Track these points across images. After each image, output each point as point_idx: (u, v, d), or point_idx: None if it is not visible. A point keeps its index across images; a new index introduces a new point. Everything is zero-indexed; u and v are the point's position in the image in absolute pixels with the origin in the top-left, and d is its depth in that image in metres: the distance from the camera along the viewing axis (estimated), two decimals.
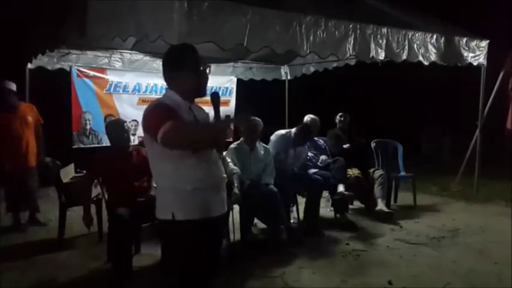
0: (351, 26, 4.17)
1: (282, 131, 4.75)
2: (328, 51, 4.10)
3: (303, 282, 3.28)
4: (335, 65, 6.38)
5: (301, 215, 4.59)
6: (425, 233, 4.44)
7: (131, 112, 6.34)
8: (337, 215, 4.90)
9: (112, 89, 6.23)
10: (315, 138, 5.21)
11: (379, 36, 4.40)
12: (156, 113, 1.89)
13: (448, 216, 5.09)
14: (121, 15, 3.11)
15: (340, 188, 4.71)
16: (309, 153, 5.04)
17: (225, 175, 2.16)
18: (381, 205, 4.92)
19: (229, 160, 4.08)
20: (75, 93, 5.94)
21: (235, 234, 4.06)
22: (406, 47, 4.63)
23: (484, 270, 3.49)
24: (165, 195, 1.99)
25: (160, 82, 6.43)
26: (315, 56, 4.57)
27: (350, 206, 5.14)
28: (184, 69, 1.98)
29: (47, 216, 4.83)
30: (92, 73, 6.02)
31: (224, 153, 4.03)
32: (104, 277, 3.37)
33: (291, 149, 4.61)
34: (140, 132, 6.25)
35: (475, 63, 5.46)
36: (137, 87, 6.44)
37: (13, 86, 4.39)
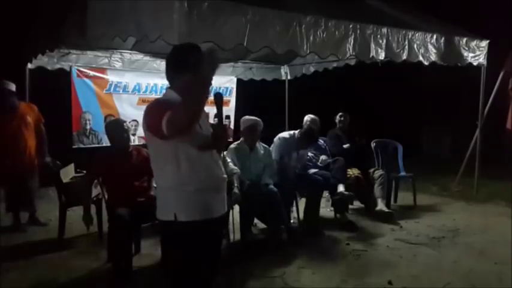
0: (351, 26, 4.18)
1: (286, 134, 4.73)
2: (328, 51, 4.10)
3: (303, 282, 3.28)
4: (335, 65, 6.37)
5: (301, 215, 4.58)
6: (425, 233, 4.44)
7: (131, 112, 6.34)
8: (337, 215, 4.90)
9: (112, 89, 6.23)
10: None
11: (379, 36, 4.40)
12: (156, 109, 1.90)
13: (448, 216, 5.09)
14: (121, 15, 3.11)
15: (340, 188, 4.71)
16: (309, 153, 5.03)
17: (225, 175, 2.15)
18: (381, 205, 4.92)
19: (229, 160, 4.08)
20: (75, 93, 5.93)
21: (235, 234, 4.06)
22: (406, 47, 4.63)
23: (484, 270, 3.49)
24: (167, 196, 1.99)
25: (160, 82, 6.44)
26: (315, 56, 4.57)
27: (350, 206, 5.14)
28: (187, 70, 1.95)
29: (47, 216, 4.83)
30: (92, 73, 6.01)
31: (224, 153, 4.03)
32: (104, 277, 3.37)
33: (294, 152, 4.60)
34: (140, 132, 6.26)
35: (475, 63, 5.46)
36: (137, 87, 6.43)
37: (12, 87, 4.37)
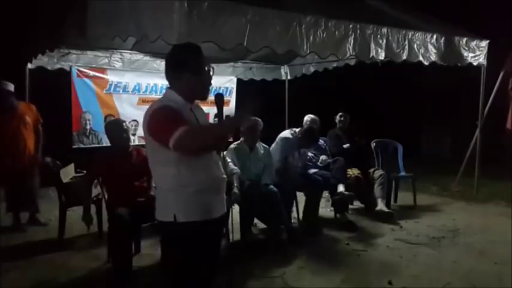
0: (351, 26, 4.17)
1: (288, 134, 4.71)
2: (328, 51, 4.10)
3: (303, 282, 3.28)
4: (335, 65, 6.37)
5: (301, 215, 4.58)
6: (425, 233, 4.44)
7: (131, 112, 6.34)
8: (337, 215, 4.90)
9: (112, 89, 6.23)
10: None
11: (379, 36, 4.40)
12: (164, 118, 1.85)
13: (448, 216, 5.09)
14: (121, 15, 3.11)
15: (340, 188, 4.71)
16: (309, 153, 5.04)
17: (225, 176, 2.15)
18: (381, 205, 4.92)
19: (229, 160, 4.08)
20: (75, 93, 5.93)
21: (235, 234, 4.05)
22: (406, 47, 4.63)
23: (484, 270, 3.49)
24: (166, 197, 1.97)
25: (160, 82, 6.44)
26: (315, 56, 4.57)
27: (350, 206, 5.14)
28: (186, 69, 1.94)
29: (47, 216, 4.83)
30: (92, 73, 6.01)
31: (224, 153, 4.03)
32: (103, 277, 3.38)
33: (296, 152, 4.60)
34: (140, 132, 6.26)
35: (475, 63, 5.46)
36: (137, 87, 6.43)
37: (11, 87, 4.36)
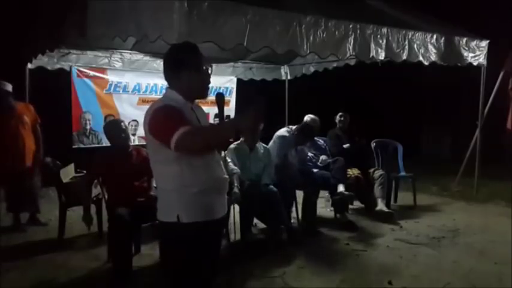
0: (351, 26, 4.18)
1: (284, 132, 4.72)
2: (328, 51, 4.10)
3: (303, 282, 3.28)
4: (335, 65, 6.38)
5: (300, 215, 4.59)
6: (425, 233, 4.44)
7: (131, 112, 6.34)
8: (337, 215, 4.90)
9: (112, 89, 6.24)
10: (315, 138, 5.21)
11: (379, 36, 4.40)
12: (165, 118, 1.85)
13: (448, 216, 5.09)
14: (121, 15, 3.11)
15: (340, 188, 4.71)
16: (309, 153, 5.04)
17: (227, 176, 2.15)
18: (380, 205, 4.92)
19: (229, 160, 4.08)
20: (75, 93, 5.94)
21: (235, 234, 4.06)
22: (406, 47, 4.63)
23: (484, 270, 3.49)
24: (169, 198, 1.96)
25: (161, 82, 6.44)
26: (315, 56, 4.57)
27: (350, 206, 5.14)
28: (184, 68, 1.94)
29: (47, 216, 4.83)
30: (92, 73, 6.02)
31: (224, 153, 4.03)
32: (103, 277, 3.38)
33: (293, 149, 4.61)
34: (140, 132, 6.27)
35: (475, 63, 5.46)
36: (137, 87, 6.44)
37: (9, 87, 4.36)
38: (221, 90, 6.99)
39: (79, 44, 5.11)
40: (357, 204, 5.32)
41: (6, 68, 4.68)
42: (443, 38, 4.98)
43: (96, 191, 3.95)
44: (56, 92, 6.13)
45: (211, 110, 5.62)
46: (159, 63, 6.25)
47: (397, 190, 5.71)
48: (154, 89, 6.52)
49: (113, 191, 3.61)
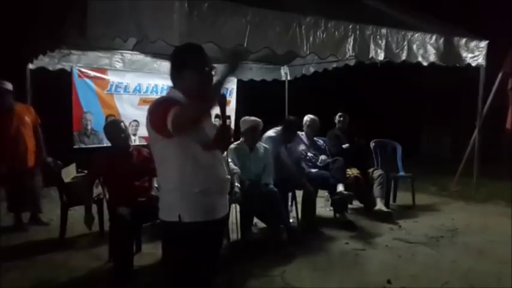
0: (350, 26, 4.19)
1: (271, 133, 4.71)
2: (328, 51, 4.12)
3: (302, 281, 3.30)
4: (335, 65, 6.39)
5: (300, 214, 4.60)
6: (424, 232, 4.45)
7: (132, 112, 6.35)
8: (337, 215, 4.91)
9: (113, 90, 6.24)
10: (315, 139, 5.23)
11: (378, 36, 4.42)
12: (161, 107, 1.89)
13: (447, 216, 5.10)
14: (121, 15, 3.12)
15: (340, 187, 4.72)
16: (309, 153, 5.06)
17: (229, 176, 2.17)
18: (380, 205, 4.94)
19: (229, 160, 4.10)
20: (76, 93, 5.95)
21: (235, 234, 4.07)
22: (406, 47, 4.65)
23: (483, 270, 3.50)
24: (171, 197, 1.98)
25: (161, 82, 6.46)
26: (314, 57, 4.58)
27: (349, 206, 5.15)
28: (188, 68, 1.98)
29: (49, 216, 4.84)
30: (92, 73, 6.03)
31: (224, 153, 4.05)
32: (105, 277, 3.38)
33: (283, 149, 4.61)
34: (141, 132, 6.28)
35: (473, 64, 5.47)
36: (138, 88, 6.45)
37: (9, 86, 4.39)
38: (222, 91, 6.99)
39: (80, 45, 5.13)
40: (356, 204, 5.33)
41: (7, 68, 4.69)
42: (442, 39, 5.00)
43: (97, 190, 3.97)
44: (57, 93, 6.14)
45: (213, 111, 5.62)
46: (160, 64, 6.28)
47: (396, 190, 5.73)
48: (155, 89, 6.53)
49: (114, 191, 3.62)
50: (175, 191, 1.96)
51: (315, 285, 3.25)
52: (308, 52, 3.96)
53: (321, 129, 5.24)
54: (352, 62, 6.05)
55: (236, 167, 4.07)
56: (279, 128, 4.74)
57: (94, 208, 3.71)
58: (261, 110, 4.71)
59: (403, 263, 3.65)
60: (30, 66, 5.35)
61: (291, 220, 4.48)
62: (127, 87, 6.34)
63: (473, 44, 5.40)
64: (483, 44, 5.55)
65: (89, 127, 6.10)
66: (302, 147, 5.08)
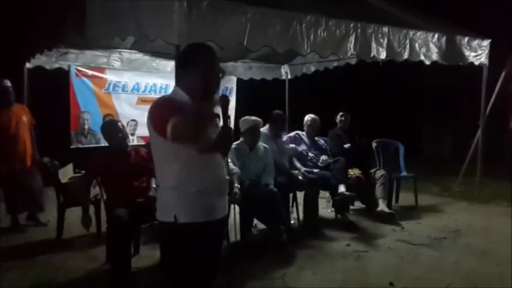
0: (351, 25, 4.16)
1: (264, 130, 4.63)
2: (329, 50, 4.09)
3: (303, 283, 3.26)
4: (336, 64, 6.36)
5: (301, 215, 4.56)
6: (427, 233, 4.42)
7: (130, 112, 6.31)
8: (338, 216, 4.88)
9: (111, 89, 6.21)
10: (316, 138, 5.19)
11: (380, 35, 4.39)
12: (163, 109, 1.88)
13: (449, 217, 5.07)
14: (121, 15, 3.11)
15: (341, 188, 4.68)
16: (310, 153, 5.02)
17: (228, 177, 2.13)
18: (382, 206, 4.90)
19: (229, 160, 4.05)
20: (73, 92, 5.92)
21: (235, 235, 4.03)
22: (408, 46, 4.62)
23: (486, 271, 3.47)
24: (168, 197, 1.96)
25: (160, 82, 6.43)
26: (315, 56, 4.56)
27: (351, 207, 5.12)
28: (193, 67, 1.95)
29: (46, 216, 4.79)
30: (90, 72, 6.00)
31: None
32: (102, 278, 3.35)
33: (273, 144, 4.56)
34: (139, 132, 6.24)
35: (476, 63, 5.44)
36: (136, 87, 6.40)
37: (9, 83, 4.43)
38: (221, 90, 6.96)
39: (78, 44, 5.10)
40: (358, 204, 5.30)
41: (4, 67, 4.67)
42: (444, 37, 4.96)
43: (94, 191, 3.93)
44: (54, 92, 6.11)
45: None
46: (158, 63, 6.24)
47: (398, 190, 5.69)
48: (153, 88, 6.48)
49: (111, 192, 3.59)
50: (172, 191, 1.94)
51: (315, 287, 3.22)
52: (309, 51, 3.93)
53: (322, 128, 5.21)
54: (353, 61, 6.01)
55: (235, 167, 4.03)
56: (267, 126, 4.71)
57: (91, 209, 3.68)
58: (261, 109, 4.68)
59: (405, 265, 3.61)
60: (28, 65, 5.32)
61: (291, 221, 4.44)
62: (125, 86, 6.30)
63: (475, 42, 5.37)
64: (486, 42, 5.52)
65: (86, 127, 6.07)
66: (303, 147, 5.05)
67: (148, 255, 3.67)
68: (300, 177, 4.55)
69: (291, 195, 4.57)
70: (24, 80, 5.33)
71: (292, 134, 5.25)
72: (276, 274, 3.38)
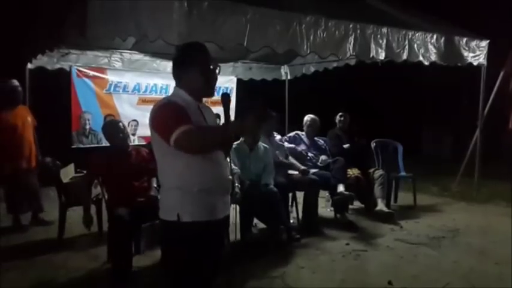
0: (351, 25, 4.17)
1: None
2: (328, 51, 4.10)
3: (302, 282, 3.28)
4: (335, 64, 6.37)
5: (301, 215, 4.58)
6: (426, 233, 4.43)
7: (131, 112, 6.33)
8: (337, 215, 4.89)
9: (112, 89, 6.23)
10: (315, 138, 5.21)
11: (379, 36, 4.40)
12: (168, 114, 1.88)
13: (448, 217, 5.08)
14: (121, 15, 3.11)
15: (340, 188, 4.70)
16: (309, 153, 5.04)
17: (230, 176, 2.15)
18: (381, 205, 4.91)
19: (228, 160, 4.07)
20: (74, 93, 5.94)
21: (235, 234, 4.05)
22: (407, 47, 4.63)
23: (484, 270, 3.48)
24: (171, 196, 1.97)
25: (160, 82, 6.44)
26: (315, 56, 4.57)
27: (350, 206, 5.13)
28: (193, 67, 1.97)
29: (47, 216, 4.81)
30: (91, 73, 6.02)
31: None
32: (103, 277, 3.36)
33: (267, 142, 4.56)
34: (140, 132, 6.26)
35: (475, 63, 5.45)
36: (137, 87, 6.42)
37: (17, 83, 4.52)
38: (221, 90, 6.98)
39: (79, 44, 5.11)
40: (357, 204, 5.31)
41: (6, 68, 4.70)
42: (443, 38, 4.98)
43: (96, 191, 3.95)
44: (56, 92, 6.13)
45: (215, 110, 5.61)
46: (159, 63, 6.26)
47: (397, 190, 5.70)
48: (154, 89, 6.51)
49: (112, 191, 3.60)
50: (175, 190, 1.95)
51: (315, 286, 3.24)
52: (308, 51, 3.94)
53: (321, 129, 5.23)
54: (352, 62, 6.03)
55: (236, 167, 4.04)
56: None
57: (93, 208, 3.69)
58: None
59: (404, 264, 3.63)
60: (29, 65, 5.33)
61: (291, 220, 4.46)
62: (126, 86, 6.32)
63: (474, 43, 5.38)
64: (484, 43, 5.54)
65: (88, 127, 6.09)
66: (302, 147, 5.07)
67: (149, 255, 3.69)
68: (299, 168, 4.56)
69: (290, 195, 4.59)
70: (26, 81, 5.35)
71: (291, 134, 5.27)
72: (275, 273, 3.40)
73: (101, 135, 5.96)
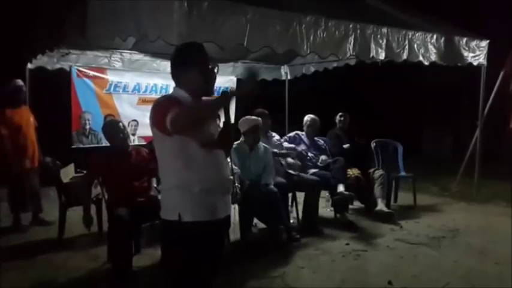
0: (351, 26, 4.17)
1: None
2: (328, 51, 4.10)
3: (302, 282, 3.28)
4: (335, 64, 6.37)
5: (301, 215, 4.58)
6: (426, 233, 4.43)
7: (131, 112, 6.34)
8: (337, 215, 4.90)
9: (112, 89, 6.23)
10: (315, 138, 5.21)
11: (379, 36, 4.40)
12: (163, 105, 1.90)
13: (448, 217, 5.08)
14: (121, 15, 3.11)
15: (340, 188, 4.70)
16: (309, 153, 5.04)
17: (231, 176, 2.15)
18: (381, 205, 4.91)
19: (229, 160, 4.07)
20: (74, 93, 5.94)
21: (235, 234, 4.05)
22: (406, 47, 4.63)
23: (484, 270, 3.48)
24: (172, 196, 1.97)
25: (160, 82, 6.44)
26: (315, 56, 4.57)
27: (350, 206, 5.13)
28: (192, 67, 1.98)
29: (47, 216, 4.81)
30: (91, 73, 6.02)
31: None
32: (103, 277, 3.37)
33: (265, 141, 4.56)
34: (140, 132, 6.26)
35: (475, 63, 5.45)
36: (137, 87, 6.43)
37: (22, 83, 4.57)
38: (221, 90, 6.98)
39: (79, 44, 5.11)
40: (357, 204, 5.31)
41: (6, 68, 4.70)
42: (443, 38, 4.98)
43: (96, 191, 3.95)
44: (56, 92, 6.14)
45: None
46: (159, 63, 6.26)
47: (397, 190, 5.70)
48: (154, 89, 6.51)
49: (112, 191, 3.60)
50: (176, 190, 1.96)
51: (315, 286, 3.23)
52: (308, 51, 3.95)
53: (321, 129, 5.23)
54: (352, 62, 6.03)
55: (236, 167, 4.04)
56: None
57: (93, 208, 3.69)
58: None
59: (404, 264, 3.63)
60: (29, 65, 5.33)
61: (291, 220, 4.46)
62: (126, 86, 6.33)
63: (474, 43, 5.38)
64: (484, 43, 5.54)
65: (88, 127, 6.09)
66: (302, 147, 5.07)
67: (149, 255, 3.68)
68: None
69: (290, 195, 4.59)
70: (26, 81, 5.34)
71: (291, 134, 5.28)
72: (275, 273, 3.39)
73: (101, 135, 5.97)
